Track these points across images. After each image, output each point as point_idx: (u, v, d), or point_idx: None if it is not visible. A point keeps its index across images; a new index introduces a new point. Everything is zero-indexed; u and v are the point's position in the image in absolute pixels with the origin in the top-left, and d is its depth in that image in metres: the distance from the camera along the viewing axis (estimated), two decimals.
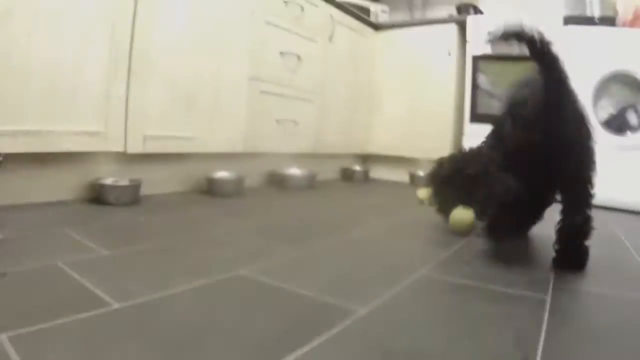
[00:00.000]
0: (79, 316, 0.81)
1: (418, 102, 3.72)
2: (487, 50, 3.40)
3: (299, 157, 3.17)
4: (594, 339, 0.87)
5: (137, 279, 1.03)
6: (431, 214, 1.75)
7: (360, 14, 3.76)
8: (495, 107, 3.32)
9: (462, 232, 1.79)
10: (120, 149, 2.01)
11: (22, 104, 1.64)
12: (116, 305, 0.87)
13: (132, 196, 1.97)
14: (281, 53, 2.85)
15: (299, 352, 0.74)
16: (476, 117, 3.44)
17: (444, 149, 3.46)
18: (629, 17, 3.15)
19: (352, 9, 3.63)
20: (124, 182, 2.01)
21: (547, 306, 1.03)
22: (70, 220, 1.56)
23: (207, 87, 2.37)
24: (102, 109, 1.91)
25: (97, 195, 1.92)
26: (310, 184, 2.96)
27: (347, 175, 3.73)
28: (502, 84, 3.36)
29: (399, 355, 0.76)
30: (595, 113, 2.99)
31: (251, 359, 0.72)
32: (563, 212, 1.40)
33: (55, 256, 1.14)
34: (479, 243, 1.65)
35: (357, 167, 3.77)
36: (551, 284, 1.21)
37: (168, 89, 2.17)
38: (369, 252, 1.49)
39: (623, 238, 1.95)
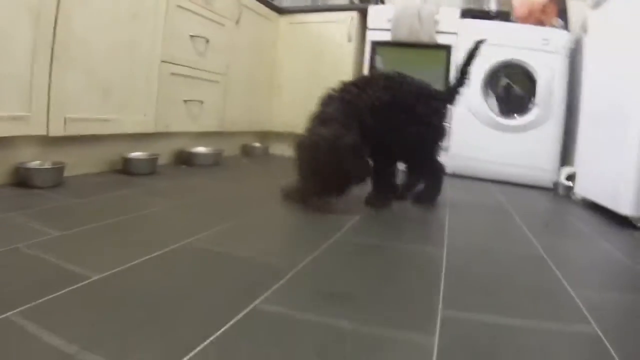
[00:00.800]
0: (69, 288, 0.92)
1: (317, 83, 3.87)
2: (386, 37, 3.63)
3: (205, 136, 3.28)
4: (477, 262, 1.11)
5: (100, 254, 1.15)
6: None
7: None
8: None
9: None
10: (42, 132, 2.04)
11: None
12: (95, 277, 0.98)
13: (56, 178, 2.02)
14: (191, 36, 2.92)
15: (257, 301, 0.90)
16: None
17: None
18: (524, 13, 3.46)
19: None
20: (48, 164, 2.04)
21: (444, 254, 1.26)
22: (7, 206, 1.60)
23: (123, 70, 2.43)
24: (25, 94, 1.94)
25: (22, 179, 1.95)
26: (216, 160, 3.12)
27: (246, 151, 3.91)
28: (396, 67, 3.61)
29: (336, 296, 0.95)
30: (485, 99, 3.30)
31: (220, 309, 0.86)
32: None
33: (12, 241, 1.21)
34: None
35: (257, 144, 3.94)
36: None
37: (87, 74, 2.22)
38: (287, 222, 1.67)
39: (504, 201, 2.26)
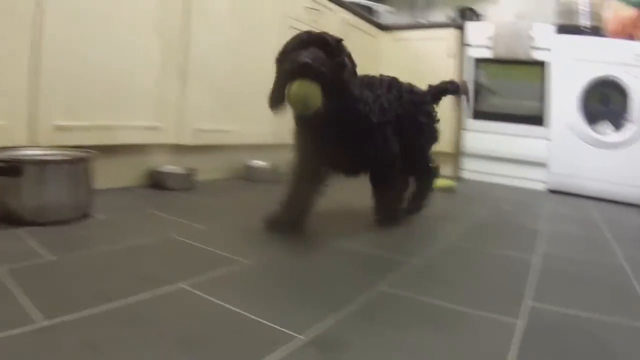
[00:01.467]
0: (226, 268, 1.16)
1: None
2: (485, 53, 3.76)
3: None
4: (561, 266, 1.24)
5: (243, 245, 1.39)
6: None
7: (368, 16, 4.09)
8: (495, 104, 3.70)
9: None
10: (173, 141, 2.33)
11: (92, 103, 1.95)
12: (246, 261, 1.22)
13: (188, 182, 2.29)
14: None
15: (382, 284, 1.11)
16: (476, 114, 3.80)
17: (446, 144, 3.83)
18: (616, 28, 3.49)
19: (360, 10, 3.95)
20: (181, 170, 2.33)
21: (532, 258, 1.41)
22: (150, 203, 1.88)
23: (244, 86, 2.69)
24: (159, 107, 2.24)
25: (156, 182, 2.24)
26: None
27: None
28: (497, 81, 3.74)
29: (441, 282, 1.14)
30: (582, 116, 3.36)
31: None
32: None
33: (165, 231, 1.47)
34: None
35: None
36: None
37: (213, 89, 2.49)
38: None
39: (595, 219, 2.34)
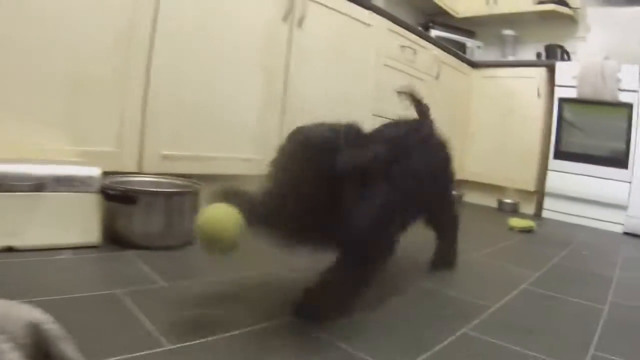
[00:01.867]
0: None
1: (507, 135, 4.21)
2: (572, 93, 3.85)
3: None
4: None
5: None
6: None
7: (459, 53, 4.29)
8: (579, 145, 3.80)
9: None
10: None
11: (196, 135, 2.22)
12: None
13: None
14: (395, 91, 3.38)
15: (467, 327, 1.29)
16: (560, 155, 3.91)
17: (530, 181, 3.98)
18: None
19: (451, 47, 4.17)
20: None
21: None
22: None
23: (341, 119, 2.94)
24: (258, 140, 2.48)
25: None
26: None
27: None
28: (586, 125, 3.83)
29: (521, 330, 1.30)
30: None
31: None
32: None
33: (267, 264, 1.68)
34: None
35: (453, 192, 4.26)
36: None
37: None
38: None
39: None
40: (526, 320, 1.42)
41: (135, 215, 1.66)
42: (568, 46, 4.56)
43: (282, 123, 2.57)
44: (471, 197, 4.51)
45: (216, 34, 2.21)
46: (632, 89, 3.62)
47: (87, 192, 1.59)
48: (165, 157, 2.07)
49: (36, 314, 0.70)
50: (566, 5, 4.47)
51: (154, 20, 1.95)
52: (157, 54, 1.98)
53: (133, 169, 1.97)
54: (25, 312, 0.71)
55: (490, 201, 4.34)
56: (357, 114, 3.04)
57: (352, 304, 1.23)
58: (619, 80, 3.65)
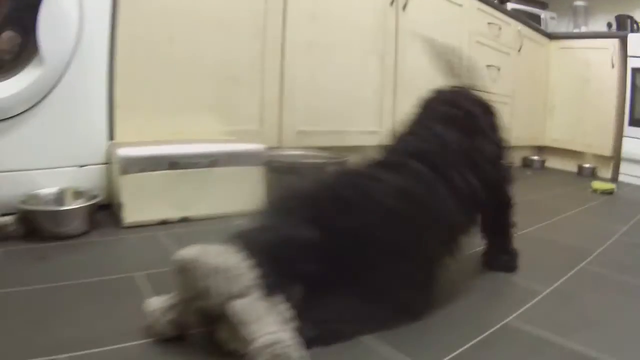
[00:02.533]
0: None
1: (584, 104, 4.40)
2: None
3: None
4: None
5: None
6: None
7: (537, 26, 4.48)
8: None
9: None
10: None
11: (326, 113, 2.52)
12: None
13: None
14: (487, 66, 3.59)
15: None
16: (635, 122, 4.09)
17: (607, 146, 4.17)
18: None
19: (528, 20, 4.37)
20: None
21: None
22: None
23: None
24: (377, 115, 2.74)
25: None
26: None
27: (527, 163, 4.52)
28: None
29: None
30: None
31: None
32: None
33: None
34: None
35: (536, 157, 4.53)
36: None
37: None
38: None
39: None
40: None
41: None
42: (637, 16, 4.65)
43: (394, 99, 2.82)
44: (553, 162, 4.71)
45: (336, 21, 2.50)
46: None
47: (253, 165, 1.88)
48: (301, 132, 2.35)
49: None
50: None
51: (284, 11, 2.24)
52: (288, 44, 2.26)
53: (275, 144, 2.24)
54: None
55: (571, 166, 4.54)
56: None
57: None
58: None
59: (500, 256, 1.47)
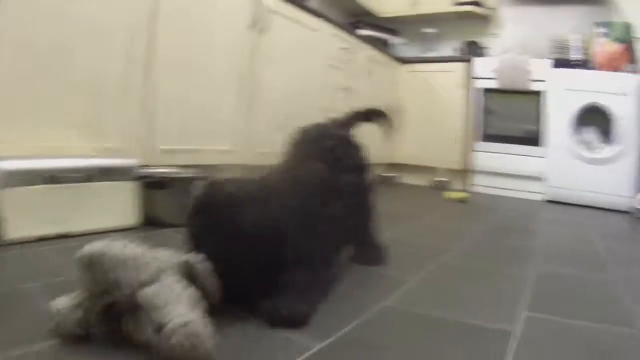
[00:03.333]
0: None
1: (434, 122, 4.75)
2: (491, 84, 4.43)
3: None
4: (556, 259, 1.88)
5: None
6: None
7: (388, 51, 4.78)
8: (498, 127, 4.36)
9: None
10: (245, 162, 2.93)
11: (189, 132, 2.51)
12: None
13: None
14: (340, 88, 3.81)
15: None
16: (483, 137, 4.52)
17: (457, 161, 4.53)
18: (603, 61, 4.14)
19: (380, 45, 4.65)
20: None
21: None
22: None
23: (295, 117, 3.32)
24: (232, 134, 2.83)
25: None
26: None
27: (382, 179, 4.74)
28: (505, 111, 4.43)
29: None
30: (574, 137, 4.00)
31: None
32: None
33: None
34: None
35: (390, 174, 4.82)
36: None
37: (273, 119, 3.10)
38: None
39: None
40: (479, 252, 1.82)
41: (166, 198, 2.00)
42: (483, 42, 5.14)
43: (248, 119, 2.92)
44: (407, 178, 5.01)
45: (201, 42, 2.53)
46: (540, 79, 4.25)
47: (127, 180, 1.90)
48: (165, 151, 2.36)
49: (189, 257, 1.03)
50: (481, 5, 5.03)
51: (151, 29, 2.25)
52: (155, 62, 2.27)
53: (139, 161, 2.26)
54: (182, 256, 1.04)
55: (425, 181, 4.86)
56: (311, 107, 3.45)
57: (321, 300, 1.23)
58: (529, 72, 4.24)
59: (370, 251, 1.68)
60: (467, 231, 2.43)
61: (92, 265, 0.89)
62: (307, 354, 0.96)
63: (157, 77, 2.29)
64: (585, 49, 4.36)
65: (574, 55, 4.37)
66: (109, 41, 2.05)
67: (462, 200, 3.62)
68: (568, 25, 4.58)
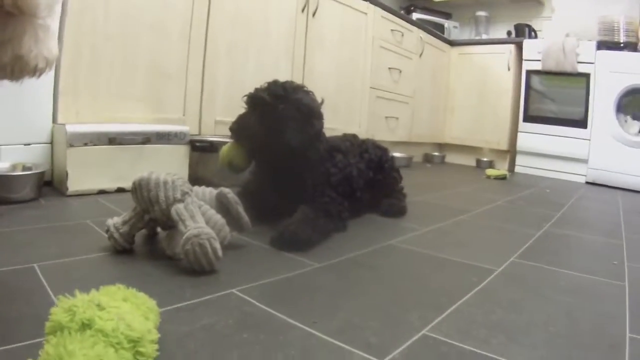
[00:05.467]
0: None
1: (482, 103, 4.89)
2: (538, 66, 4.53)
3: (398, 145, 4.37)
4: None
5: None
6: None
7: (439, 33, 4.93)
8: (545, 109, 4.45)
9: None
10: None
11: (238, 106, 2.78)
12: None
13: None
14: (389, 68, 4.02)
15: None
16: (528, 118, 4.62)
17: (503, 141, 4.67)
18: None
19: (431, 28, 4.81)
20: None
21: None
22: None
23: (346, 94, 3.56)
24: None
25: None
26: (408, 163, 4.16)
27: (428, 158, 4.95)
28: (553, 93, 4.52)
29: None
30: (616, 119, 4.08)
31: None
32: None
33: None
34: None
35: (436, 153, 5.00)
36: None
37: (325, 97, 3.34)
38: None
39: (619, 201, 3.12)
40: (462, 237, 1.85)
41: (212, 161, 2.24)
42: (535, 25, 5.20)
43: None
44: (453, 158, 5.18)
45: (254, 26, 2.79)
46: (588, 61, 4.28)
47: (180, 144, 2.21)
48: (218, 122, 2.63)
49: (222, 189, 1.33)
50: None
51: (208, 17, 2.52)
52: (210, 46, 2.56)
53: (195, 132, 2.55)
54: (215, 189, 1.34)
55: (470, 161, 5.02)
56: (358, 87, 3.67)
57: (326, 234, 1.51)
58: (577, 54, 4.31)
59: (392, 202, 2.01)
60: (495, 199, 2.63)
61: (139, 186, 1.19)
62: (303, 270, 1.20)
63: (214, 58, 2.57)
64: (633, 32, 4.40)
65: (622, 38, 4.41)
66: (170, 28, 2.36)
67: (501, 177, 3.79)
68: (617, 9, 4.60)
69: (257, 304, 0.96)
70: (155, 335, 0.69)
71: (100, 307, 0.66)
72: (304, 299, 1.02)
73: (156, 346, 0.68)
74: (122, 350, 0.63)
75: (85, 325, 0.63)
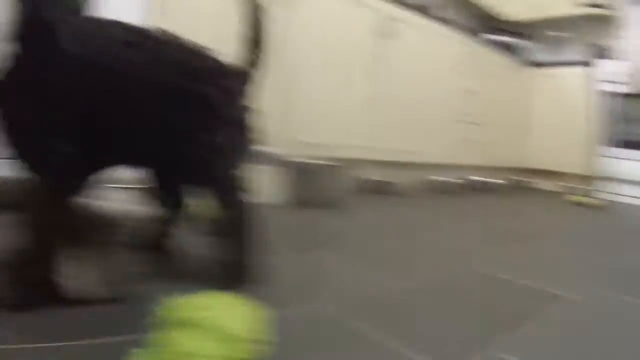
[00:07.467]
0: None
1: (565, 126, 4.70)
2: (622, 89, 4.31)
3: (475, 168, 4.24)
4: None
5: None
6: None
7: (515, 54, 4.82)
8: (631, 133, 4.23)
9: None
10: (376, 158, 3.16)
11: (320, 126, 2.84)
12: None
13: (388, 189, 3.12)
14: (465, 91, 3.94)
15: None
16: (613, 143, 4.34)
17: (587, 166, 4.48)
18: None
19: (504, 48, 4.68)
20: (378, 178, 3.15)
21: None
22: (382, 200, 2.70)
23: (422, 117, 3.52)
24: (362, 132, 3.06)
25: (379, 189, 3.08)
26: (492, 188, 4.06)
27: (512, 183, 4.69)
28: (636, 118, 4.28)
29: None
30: None
31: None
32: None
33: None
34: None
35: (519, 177, 4.84)
36: None
37: (401, 119, 3.33)
38: None
39: None
40: None
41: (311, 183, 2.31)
42: (609, 44, 4.95)
43: (377, 118, 3.18)
44: (539, 183, 4.98)
45: (332, 47, 2.83)
46: None
47: (270, 165, 2.21)
48: (302, 143, 2.65)
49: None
50: (604, 7, 4.92)
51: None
52: (294, 70, 2.59)
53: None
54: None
55: (555, 186, 4.82)
56: (435, 111, 3.62)
57: None
58: None
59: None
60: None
61: None
62: None
63: (297, 79, 2.57)
64: None
65: None
66: None
67: (586, 205, 3.55)
68: None
69: None
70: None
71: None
72: None
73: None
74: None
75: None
